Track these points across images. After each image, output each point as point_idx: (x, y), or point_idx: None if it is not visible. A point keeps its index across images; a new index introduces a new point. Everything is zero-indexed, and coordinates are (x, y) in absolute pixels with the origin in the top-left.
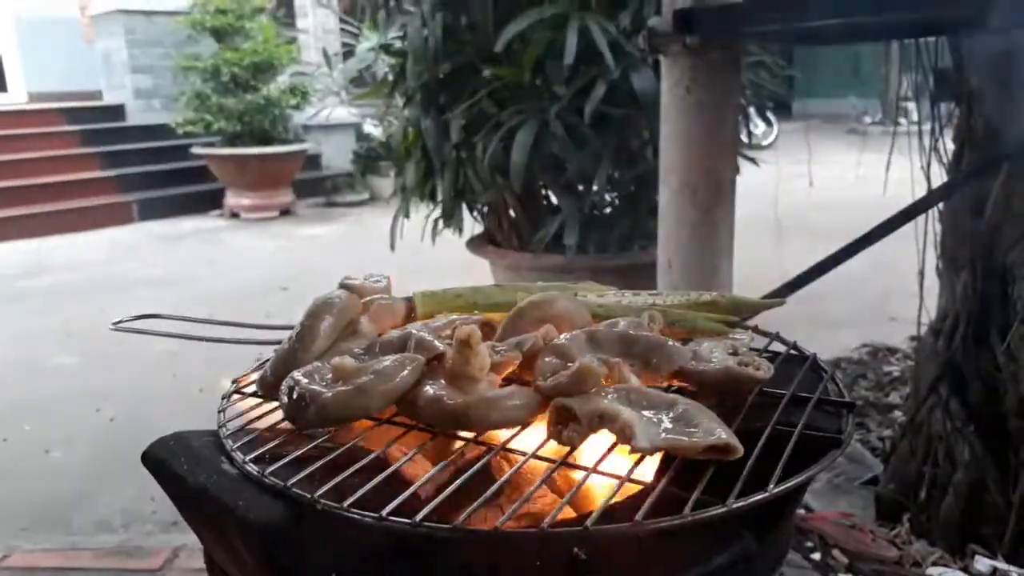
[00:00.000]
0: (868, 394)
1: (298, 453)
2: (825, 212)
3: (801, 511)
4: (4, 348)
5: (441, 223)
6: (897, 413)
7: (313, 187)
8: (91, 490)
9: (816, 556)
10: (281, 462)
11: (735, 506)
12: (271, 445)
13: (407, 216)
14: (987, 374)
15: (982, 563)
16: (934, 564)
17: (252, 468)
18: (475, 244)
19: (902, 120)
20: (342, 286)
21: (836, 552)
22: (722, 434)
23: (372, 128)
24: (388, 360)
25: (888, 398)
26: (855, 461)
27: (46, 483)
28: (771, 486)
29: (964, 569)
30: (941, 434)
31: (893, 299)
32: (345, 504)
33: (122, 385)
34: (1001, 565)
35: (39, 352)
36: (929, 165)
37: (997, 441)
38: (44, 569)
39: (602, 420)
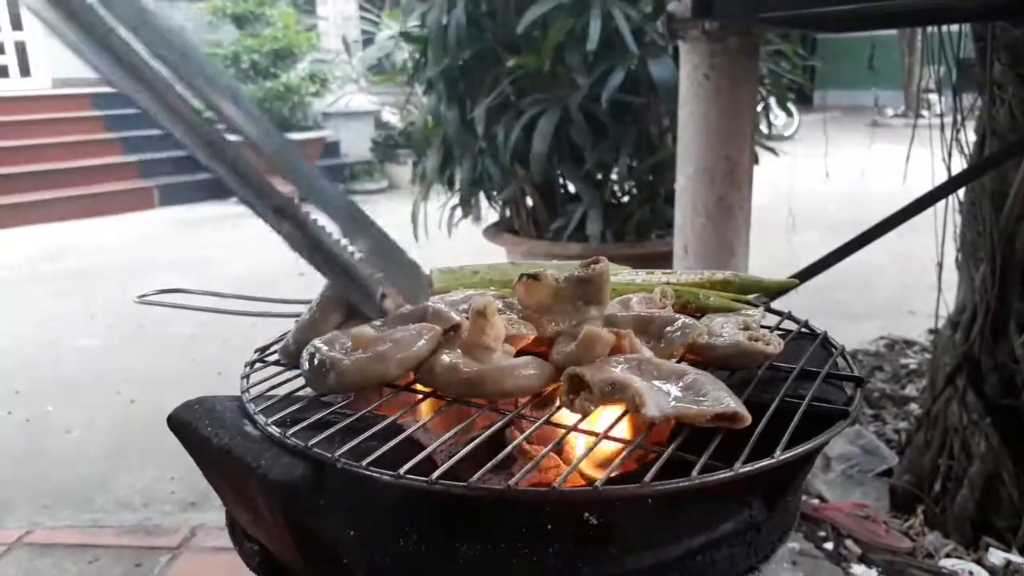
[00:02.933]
0: (885, 386)
1: (317, 417)
2: (844, 204)
3: (815, 501)
4: (28, 330)
5: (459, 211)
6: (913, 405)
7: (331, 175)
8: (112, 470)
9: (829, 546)
10: (301, 425)
11: (742, 471)
12: (292, 409)
13: (425, 201)
14: (1004, 367)
15: (996, 556)
16: (947, 556)
17: (274, 430)
18: (492, 232)
19: (924, 113)
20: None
21: (849, 542)
22: (730, 402)
23: (391, 116)
24: (406, 329)
25: (904, 390)
26: (870, 452)
27: (67, 463)
28: (778, 452)
29: (977, 561)
30: (957, 426)
31: (912, 292)
32: (364, 463)
33: (142, 367)
34: (1015, 558)
35: (61, 334)
36: (950, 156)
37: (1013, 434)
38: (66, 545)
39: (613, 389)
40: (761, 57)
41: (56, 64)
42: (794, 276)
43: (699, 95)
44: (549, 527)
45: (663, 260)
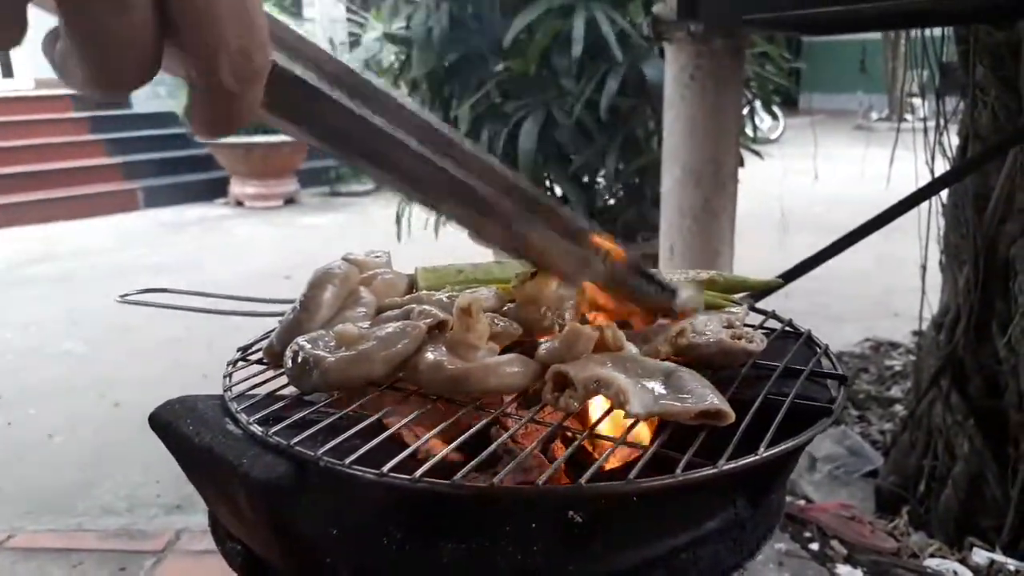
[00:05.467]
0: (870, 388)
1: (300, 415)
2: (830, 207)
3: (801, 502)
4: (10, 333)
5: None
6: (898, 407)
7: (317, 176)
8: (95, 474)
9: (815, 546)
10: (283, 424)
11: (725, 468)
12: (274, 408)
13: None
14: (988, 368)
15: (980, 555)
16: (932, 556)
17: (256, 428)
18: None
19: (908, 116)
20: (344, 260)
21: (835, 543)
22: (714, 400)
23: None
24: (390, 327)
25: (889, 392)
26: (855, 453)
27: (50, 467)
28: (762, 449)
29: (962, 561)
30: (941, 427)
31: (896, 294)
32: (347, 462)
33: (127, 371)
34: (999, 558)
35: (45, 338)
36: (933, 159)
37: (997, 435)
38: (48, 550)
39: (598, 386)
40: (747, 60)
41: (39, 65)
42: (779, 277)
43: (685, 97)
44: (533, 525)
45: (649, 262)
